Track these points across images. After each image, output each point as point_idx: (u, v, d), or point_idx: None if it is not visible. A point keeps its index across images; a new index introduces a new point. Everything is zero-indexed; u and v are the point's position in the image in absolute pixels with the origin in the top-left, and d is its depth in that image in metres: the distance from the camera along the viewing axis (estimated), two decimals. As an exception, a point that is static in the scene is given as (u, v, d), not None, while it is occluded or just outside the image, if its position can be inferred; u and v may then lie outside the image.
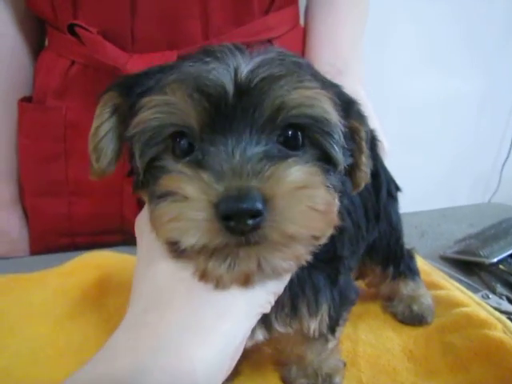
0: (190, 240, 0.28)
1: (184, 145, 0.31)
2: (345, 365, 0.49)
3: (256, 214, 0.26)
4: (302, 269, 0.35)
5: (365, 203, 0.49)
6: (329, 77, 0.53)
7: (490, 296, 0.63)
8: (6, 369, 0.51)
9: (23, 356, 0.53)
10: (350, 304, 0.47)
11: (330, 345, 0.47)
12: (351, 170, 0.36)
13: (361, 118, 0.35)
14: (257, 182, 0.27)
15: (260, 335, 0.39)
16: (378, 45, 1.16)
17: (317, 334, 0.42)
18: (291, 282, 0.36)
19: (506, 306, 0.61)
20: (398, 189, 0.58)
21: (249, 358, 0.50)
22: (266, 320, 0.38)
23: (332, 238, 0.36)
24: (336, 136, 0.31)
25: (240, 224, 0.26)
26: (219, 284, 0.29)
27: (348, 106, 0.34)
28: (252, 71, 0.30)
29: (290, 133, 0.31)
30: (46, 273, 0.70)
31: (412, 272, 0.60)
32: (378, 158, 0.52)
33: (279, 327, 0.39)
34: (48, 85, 0.72)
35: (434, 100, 1.28)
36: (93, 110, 0.68)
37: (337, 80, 0.62)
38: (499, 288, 0.66)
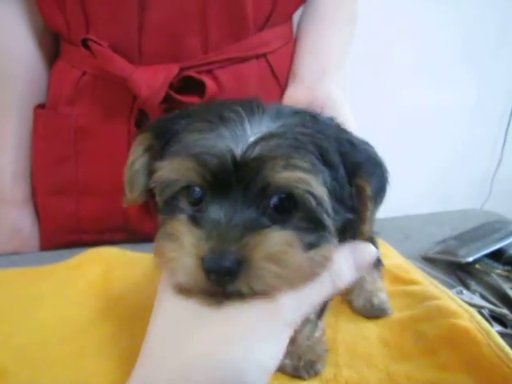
0: (181, 279, 0.34)
1: (197, 194, 0.36)
2: (327, 352, 0.54)
3: (230, 273, 0.32)
4: None
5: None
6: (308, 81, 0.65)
7: (464, 292, 0.68)
8: (19, 347, 0.56)
9: (34, 337, 0.58)
10: None
11: (317, 333, 0.53)
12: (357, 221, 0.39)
13: (368, 177, 0.38)
14: (236, 246, 0.32)
15: None
16: (373, 58, 1.22)
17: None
18: None
19: (477, 300, 0.67)
20: None
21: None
22: None
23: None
24: (324, 205, 0.35)
25: (218, 278, 0.32)
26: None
27: (356, 167, 0.38)
28: (250, 147, 0.34)
29: (281, 198, 0.35)
30: (54, 266, 0.75)
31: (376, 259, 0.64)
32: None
33: None
34: (61, 93, 0.78)
35: (425, 110, 1.33)
36: (101, 117, 0.75)
37: (316, 85, 0.67)
38: (473, 285, 0.71)
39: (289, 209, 0.35)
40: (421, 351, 0.56)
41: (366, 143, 0.42)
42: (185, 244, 0.33)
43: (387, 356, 0.56)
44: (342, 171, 0.37)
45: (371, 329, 0.61)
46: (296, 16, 0.84)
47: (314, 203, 0.34)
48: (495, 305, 0.66)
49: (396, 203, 1.27)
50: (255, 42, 0.73)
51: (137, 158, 0.41)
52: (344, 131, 0.42)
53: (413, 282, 0.68)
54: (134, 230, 0.82)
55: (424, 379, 0.51)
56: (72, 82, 0.76)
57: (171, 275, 0.35)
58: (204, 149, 0.34)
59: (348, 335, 0.59)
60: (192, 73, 0.70)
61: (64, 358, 0.55)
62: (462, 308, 0.60)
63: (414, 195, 1.39)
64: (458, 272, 0.75)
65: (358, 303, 0.64)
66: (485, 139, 1.44)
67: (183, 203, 0.37)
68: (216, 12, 0.68)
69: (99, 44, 0.68)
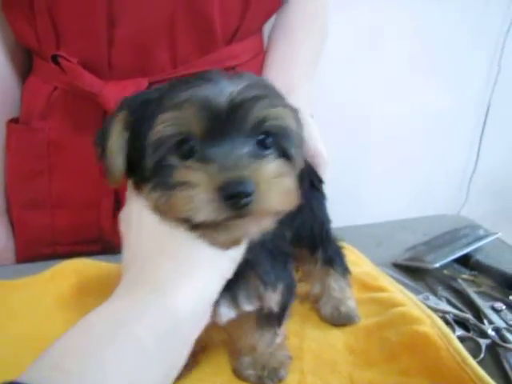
0: (201, 216, 0.37)
1: (187, 149, 0.39)
2: (291, 359, 0.55)
3: (249, 194, 0.36)
4: (264, 252, 0.47)
5: None
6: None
7: (430, 297, 0.70)
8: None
9: (7, 352, 0.58)
10: (293, 296, 0.54)
11: (278, 339, 0.54)
12: None
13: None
14: (248, 172, 0.37)
15: (232, 313, 0.47)
16: (350, 64, 1.24)
17: (273, 308, 0.50)
18: (256, 261, 0.46)
19: (442, 305, 0.68)
20: (320, 181, 0.65)
21: (205, 350, 0.57)
22: (234, 298, 0.47)
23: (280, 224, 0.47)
24: (294, 141, 0.42)
25: (238, 202, 0.36)
26: (216, 245, 0.39)
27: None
28: (240, 93, 0.39)
29: (263, 137, 0.41)
30: (28, 280, 0.76)
31: (343, 266, 0.66)
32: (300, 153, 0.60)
33: (246, 305, 0.47)
34: (33, 107, 0.79)
35: (400, 117, 1.36)
36: (72, 131, 0.76)
37: None
38: (440, 291, 0.73)
39: (269, 146, 0.41)
40: (384, 357, 0.57)
41: None
42: (201, 181, 0.37)
43: (352, 363, 0.57)
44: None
45: (338, 336, 0.62)
46: (267, 27, 0.86)
47: (287, 138, 0.42)
48: (460, 309, 0.68)
49: (375, 210, 1.30)
50: (224, 55, 0.75)
51: (115, 140, 0.42)
52: None
53: (380, 289, 0.70)
54: (108, 241, 0.83)
55: (386, 384, 0.53)
56: (44, 96, 0.77)
57: (189, 216, 0.37)
58: (201, 96, 0.38)
59: (314, 342, 0.61)
60: None
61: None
62: (425, 314, 0.62)
63: (395, 202, 1.42)
64: (427, 278, 0.77)
65: (325, 311, 0.65)
66: (460, 144, 1.46)
67: (174, 160, 0.39)
68: (183, 26, 0.69)
69: (68, 60, 0.69)
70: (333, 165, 0.67)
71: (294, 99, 0.69)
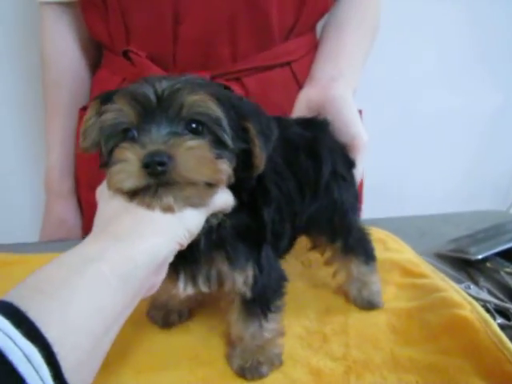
0: (128, 184, 0.43)
1: (131, 135, 0.46)
2: (281, 363, 0.56)
3: (162, 163, 0.41)
4: (230, 236, 0.51)
5: (298, 177, 0.60)
6: (322, 81, 0.73)
7: (472, 287, 0.72)
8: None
9: None
10: (279, 287, 0.57)
11: (266, 334, 0.56)
12: (252, 158, 0.49)
13: (250, 118, 0.48)
14: (164, 146, 0.43)
15: (189, 290, 0.52)
16: (396, 60, 1.25)
17: (243, 291, 0.53)
18: (221, 245, 0.51)
19: (484, 295, 0.70)
20: (351, 166, 0.67)
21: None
22: (193, 277, 0.52)
23: (256, 216, 0.53)
24: (223, 126, 0.46)
25: (154, 169, 0.42)
26: (152, 209, 0.44)
27: (238, 110, 0.48)
28: (166, 87, 0.45)
29: (193, 125, 0.45)
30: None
31: (366, 254, 0.68)
32: (321, 143, 0.63)
33: (202, 285, 0.52)
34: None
35: (451, 112, 1.36)
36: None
37: (329, 85, 0.74)
38: (482, 282, 0.75)
39: (200, 132, 0.46)
40: (424, 337, 0.61)
41: (253, 103, 0.52)
42: (127, 156, 0.43)
43: (393, 341, 0.61)
44: (232, 113, 0.47)
45: (380, 316, 0.66)
46: (319, 25, 0.90)
47: (214, 123, 0.45)
48: (502, 300, 0.70)
49: (420, 202, 1.32)
50: (280, 52, 0.80)
51: (90, 116, 0.49)
52: (231, 93, 0.52)
53: (422, 276, 0.73)
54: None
55: (425, 362, 0.57)
56: (113, 87, 0.84)
57: (120, 186, 0.44)
58: (134, 90, 0.45)
59: (358, 320, 0.65)
60: (221, 80, 0.77)
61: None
62: (466, 300, 0.64)
63: (440, 196, 1.42)
64: (469, 269, 0.79)
65: (351, 294, 0.69)
66: (507, 146, 1.45)
67: (121, 145, 0.45)
68: (244, 23, 0.75)
69: (138, 54, 0.76)
70: (379, 157, 0.71)
71: (339, 86, 0.74)
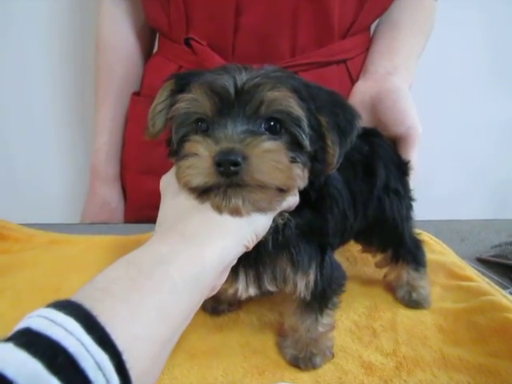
0: (197, 180, 0.42)
1: (203, 127, 0.45)
2: (332, 356, 0.57)
3: (236, 163, 0.40)
4: (295, 235, 0.49)
5: (354, 196, 0.59)
6: (378, 75, 0.73)
7: (517, 293, 0.73)
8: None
9: None
10: (338, 287, 0.56)
11: (321, 328, 0.56)
12: (325, 154, 0.47)
13: (326, 113, 0.46)
14: (239, 145, 0.41)
15: (252, 291, 0.51)
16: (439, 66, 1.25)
17: (302, 295, 0.52)
18: (286, 245, 0.49)
19: (528, 302, 0.71)
20: (406, 169, 0.67)
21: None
22: (258, 277, 0.51)
23: (320, 217, 0.52)
24: (302, 126, 0.44)
25: (226, 168, 0.40)
26: (220, 211, 0.43)
27: (319, 106, 0.46)
28: (246, 80, 0.43)
29: (271, 123, 0.44)
30: (139, 237, 0.85)
31: (417, 262, 0.68)
32: (377, 157, 0.62)
33: (268, 285, 0.51)
34: (157, 84, 0.87)
35: (492, 123, 1.36)
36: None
37: (385, 78, 0.74)
38: (525, 289, 0.75)
39: (278, 131, 0.44)
40: (473, 339, 0.61)
41: (333, 91, 0.50)
42: (200, 151, 0.42)
43: (441, 340, 0.62)
44: (311, 106, 0.45)
45: (427, 315, 0.67)
46: (372, 26, 0.91)
47: (294, 123, 0.43)
48: (546, 308, 0.70)
49: (456, 206, 1.31)
50: (337, 49, 0.80)
51: (160, 101, 0.49)
52: (309, 82, 0.49)
53: (468, 279, 0.74)
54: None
55: (475, 363, 0.57)
56: (168, 74, 0.85)
57: (189, 181, 0.43)
58: (213, 81, 0.44)
59: (406, 318, 0.66)
60: None
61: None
62: (514, 305, 0.65)
63: (475, 201, 1.43)
64: (511, 275, 0.79)
65: (398, 294, 0.70)
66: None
67: (192, 137, 0.45)
68: (306, 19, 0.75)
69: (200, 43, 0.77)
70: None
71: (395, 79, 0.74)
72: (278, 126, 0.44)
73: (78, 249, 0.83)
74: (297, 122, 0.44)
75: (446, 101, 1.31)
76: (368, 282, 0.74)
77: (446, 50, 1.23)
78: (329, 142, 0.46)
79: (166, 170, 0.89)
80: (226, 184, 0.42)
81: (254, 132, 0.43)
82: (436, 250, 0.83)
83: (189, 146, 0.44)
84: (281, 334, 0.60)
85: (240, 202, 0.42)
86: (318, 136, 0.46)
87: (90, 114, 1.14)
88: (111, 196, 0.97)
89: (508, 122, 1.38)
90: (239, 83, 0.43)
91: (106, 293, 0.35)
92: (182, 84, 0.48)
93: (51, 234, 0.89)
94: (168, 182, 0.49)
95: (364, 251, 0.71)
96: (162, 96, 0.49)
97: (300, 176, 0.45)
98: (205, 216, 0.43)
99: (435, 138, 1.25)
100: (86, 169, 1.01)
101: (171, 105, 0.48)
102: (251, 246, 0.45)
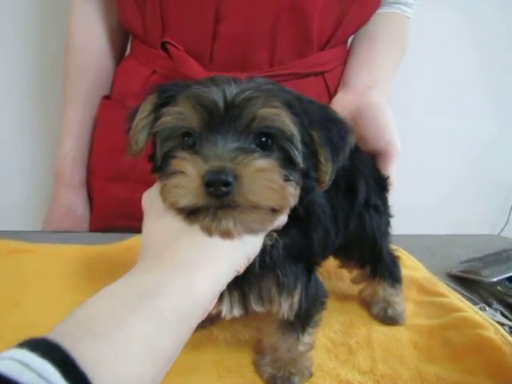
0: (184, 201, 0.39)
1: (189, 142, 0.42)
2: (311, 375, 0.55)
3: (227, 184, 0.37)
4: (282, 257, 0.47)
5: (336, 212, 0.57)
6: (357, 89, 0.72)
7: (487, 309, 0.74)
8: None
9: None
10: (320, 305, 0.55)
11: (301, 347, 0.54)
12: (317, 171, 0.45)
13: (319, 128, 0.44)
14: (230, 164, 0.39)
15: (236, 312, 0.49)
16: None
17: (285, 315, 0.50)
18: (272, 267, 0.47)
19: (499, 317, 0.72)
20: (385, 185, 0.66)
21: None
22: (244, 298, 0.48)
23: (306, 235, 0.50)
24: (295, 143, 0.42)
25: (216, 189, 0.38)
26: (210, 234, 0.40)
27: (312, 121, 0.44)
28: (236, 93, 0.41)
29: (263, 138, 0.42)
30: (107, 247, 0.82)
31: (393, 278, 0.68)
32: (358, 173, 0.61)
33: (255, 305, 0.49)
34: (128, 87, 0.85)
35: (447, 138, 1.40)
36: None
37: (365, 92, 0.74)
38: (495, 304, 0.76)
39: (270, 147, 0.42)
40: (448, 356, 0.61)
41: (325, 105, 0.48)
42: (187, 170, 0.39)
43: (417, 357, 0.61)
44: (304, 121, 0.43)
45: (402, 331, 0.66)
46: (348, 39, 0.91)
47: (286, 139, 0.42)
48: (515, 323, 0.71)
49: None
50: (316, 61, 0.80)
51: (143, 116, 0.46)
52: (301, 95, 0.47)
53: (440, 295, 0.74)
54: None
55: (451, 380, 0.57)
56: (141, 78, 0.83)
57: (176, 202, 0.40)
58: (202, 94, 0.41)
59: (382, 334, 0.65)
60: None
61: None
62: (487, 321, 0.65)
63: (427, 217, 1.45)
64: (481, 291, 0.80)
65: (374, 310, 0.69)
66: (504, 172, 1.50)
67: (179, 153, 0.42)
68: (285, 29, 0.75)
69: (177, 48, 0.74)
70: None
71: (374, 93, 0.74)
72: (269, 141, 0.42)
73: (39, 258, 0.78)
74: (290, 138, 0.42)
75: (416, 115, 1.33)
76: (343, 297, 0.74)
77: (424, 61, 1.26)
78: (321, 159, 0.44)
79: (135, 178, 0.87)
80: (216, 205, 0.39)
81: (245, 149, 0.40)
82: (408, 265, 0.83)
83: (175, 164, 0.41)
84: (258, 351, 0.58)
85: (231, 224, 0.40)
86: (311, 152, 0.44)
87: (52, 115, 1.09)
88: (76, 203, 0.93)
89: (477, 141, 1.42)
90: (229, 97, 0.41)
91: (87, 330, 0.32)
92: (165, 97, 0.45)
93: (10, 242, 0.83)
94: (152, 201, 0.46)
95: (341, 267, 0.70)
96: (144, 111, 0.46)
97: (293, 194, 0.43)
98: (194, 240, 0.40)
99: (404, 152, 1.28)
100: (47, 172, 0.96)
101: (155, 119, 0.45)
102: (242, 270, 0.43)
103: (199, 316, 0.39)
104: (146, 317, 0.34)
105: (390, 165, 0.67)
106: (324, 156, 0.44)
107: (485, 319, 0.66)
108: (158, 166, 0.44)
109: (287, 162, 0.42)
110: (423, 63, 1.28)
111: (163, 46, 0.76)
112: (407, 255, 0.87)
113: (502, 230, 1.51)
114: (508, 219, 1.52)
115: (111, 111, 0.86)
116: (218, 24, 0.74)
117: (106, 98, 0.90)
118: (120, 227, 0.90)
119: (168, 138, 0.43)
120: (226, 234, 0.40)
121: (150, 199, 0.46)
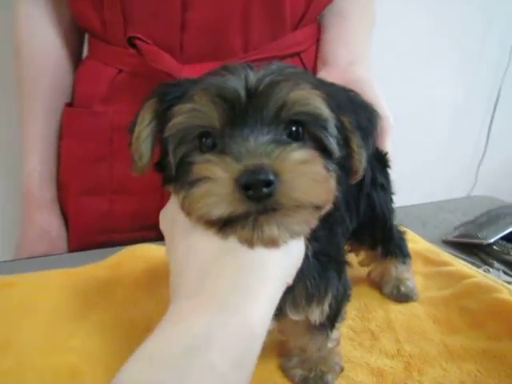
0: (218, 211, 0.34)
1: (209, 143, 0.37)
2: (342, 370, 0.53)
3: (269, 184, 0.32)
4: (312, 265, 0.43)
5: (347, 198, 0.53)
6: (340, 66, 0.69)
7: (490, 270, 0.74)
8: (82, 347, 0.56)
9: (91, 335, 0.59)
10: (347, 299, 0.52)
11: (330, 344, 0.51)
12: (349, 160, 0.41)
13: (349, 113, 0.40)
14: (268, 160, 0.34)
15: (272, 325, 0.44)
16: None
17: (317, 321, 0.46)
18: (301, 276, 0.42)
19: (504, 277, 0.73)
20: (385, 163, 0.63)
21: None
22: (279, 309, 0.42)
23: (332, 233, 0.46)
24: (329, 129, 0.38)
25: (257, 192, 0.32)
26: (251, 245, 0.35)
27: (340, 106, 0.40)
28: (258, 79, 0.36)
29: (293, 128, 0.37)
30: (93, 267, 0.74)
31: (403, 254, 0.67)
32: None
33: (291, 314, 0.44)
34: (94, 91, 0.78)
35: (414, 105, 1.41)
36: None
37: (348, 69, 0.71)
38: (496, 264, 0.77)
39: (301, 137, 0.38)
40: (469, 324, 0.61)
41: (345, 87, 0.44)
42: (216, 174, 0.34)
43: (439, 331, 0.61)
44: (333, 105, 0.39)
45: (418, 308, 0.65)
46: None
47: (319, 126, 0.37)
48: (519, 281, 0.72)
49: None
50: (290, 42, 0.76)
51: (145, 126, 0.41)
52: (320, 78, 0.44)
53: (446, 264, 0.74)
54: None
55: (478, 349, 0.57)
56: (106, 80, 0.76)
57: (207, 213, 0.34)
58: (222, 84, 0.36)
59: (400, 314, 0.64)
60: None
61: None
62: (499, 284, 0.65)
63: (405, 186, 1.47)
64: (480, 254, 0.81)
65: (386, 290, 0.68)
66: (469, 135, 1.54)
67: (197, 157, 0.37)
68: (257, 12, 0.71)
69: (147, 42, 0.69)
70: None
71: (358, 69, 0.72)
72: (300, 130, 0.37)
73: (22, 292, 0.69)
74: (324, 124, 0.37)
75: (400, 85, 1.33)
76: (351, 282, 0.71)
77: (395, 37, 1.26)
78: (354, 146, 0.40)
79: (112, 188, 0.81)
80: (258, 211, 0.34)
81: (279, 141, 0.35)
82: (407, 238, 0.82)
83: (199, 169, 0.35)
84: (283, 354, 0.55)
85: (275, 230, 0.34)
86: (343, 139, 0.40)
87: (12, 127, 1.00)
88: (50, 223, 0.85)
89: (457, 109, 1.44)
90: (252, 84, 0.36)
91: None
92: (169, 100, 0.39)
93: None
94: (172, 220, 0.40)
95: (350, 251, 0.68)
96: (144, 120, 0.41)
97: (334, 188, 0.38)
98: (237, 260, 0.35)
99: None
100: (16, 193, 0.88)
101: (159, 126, 0.40)
102: (291, 281, 0.38)
103: (257, 352, 0.33)
104: (200, 378, 0.29)
105: (385, 139, 0.65)
106: (356, 143, 0.40)
107: (496, 282, 0.66)
108: (173, 176, 0.39)
109: (321, 151, 0.38)
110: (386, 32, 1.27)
111: (130, 42, 0.69)
112: (403, 228, 0.86)
113: (472, 190, 1.55)
114: (476, 179, 1.56)
115: (77, 119, 0.80)
116: (186, 12, 0.69)
117: (69, 105, 0.82)
118: (101, 242, 0.83)
119: (181, 142, 0.38)
120: (271, 243, 0.35)
121: (170, 218, 0.41)
